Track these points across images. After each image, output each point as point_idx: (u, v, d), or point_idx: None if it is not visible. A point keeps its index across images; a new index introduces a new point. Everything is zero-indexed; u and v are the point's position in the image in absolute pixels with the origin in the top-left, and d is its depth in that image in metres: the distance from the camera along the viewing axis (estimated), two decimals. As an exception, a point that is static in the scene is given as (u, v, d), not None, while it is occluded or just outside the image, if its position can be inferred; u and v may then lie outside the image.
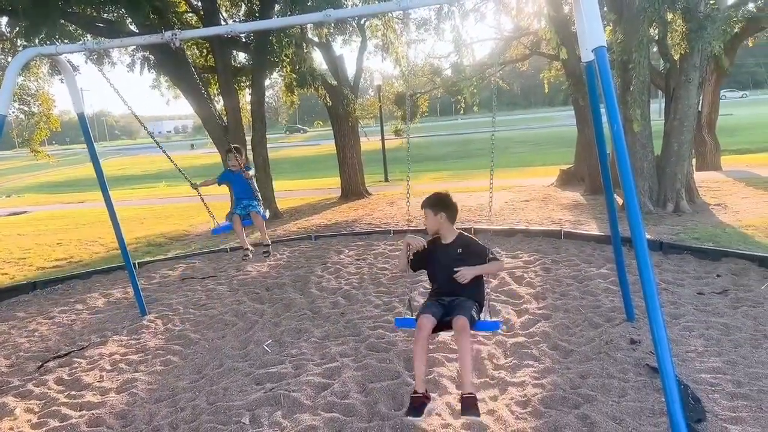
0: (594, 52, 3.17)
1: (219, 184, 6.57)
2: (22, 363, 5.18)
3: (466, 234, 3.75)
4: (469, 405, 3.19)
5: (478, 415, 3.23)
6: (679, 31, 9.22)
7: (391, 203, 14.06)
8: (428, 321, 3.35)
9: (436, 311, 3.43)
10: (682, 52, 9.24)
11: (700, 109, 12.79)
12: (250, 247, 6.65)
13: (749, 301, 5.15)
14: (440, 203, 3.67)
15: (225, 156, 6.47)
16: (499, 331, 4.50)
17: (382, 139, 21.95)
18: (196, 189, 6.13)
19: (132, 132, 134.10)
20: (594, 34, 3.16)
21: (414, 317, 3.58)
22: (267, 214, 6.56)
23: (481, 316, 3.60)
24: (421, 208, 3.71)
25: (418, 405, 3.26)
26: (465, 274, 3.48)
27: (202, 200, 6.33)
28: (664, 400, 3.31)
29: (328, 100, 14.76)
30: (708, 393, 3.59)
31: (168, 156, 5.85)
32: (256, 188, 6.52)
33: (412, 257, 3.67)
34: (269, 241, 6.73)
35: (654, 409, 3.44)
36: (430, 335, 3.47)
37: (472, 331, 3.42)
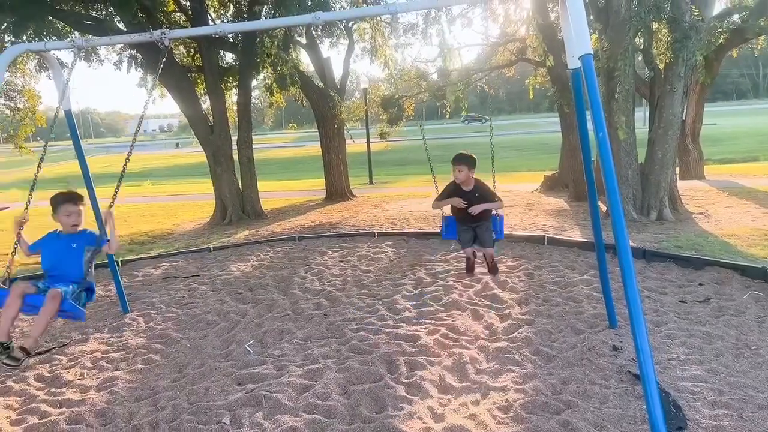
0: (581, 59, 3.20)
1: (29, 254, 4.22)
2: None
3: (480, 181, 4.98)
4: (493, 267, 5.52)
5: (497, 272, 5.81)
6: (664, 41, 9.36)
7: (376, 205, 14.06)
8: (469, 249, 5.35)
9: (470, 238, 5.18)
10: (667, 61, 9.38)
11: (684, 118, 12.99)
12: (6, 341, 3.69)
13: (731, 310, 5.23)
14: (473, 162, 4.91)
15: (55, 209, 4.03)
16: (480, 332, 5.11)
17: (368, 142, 21.96)
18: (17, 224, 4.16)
19: (117, 130, 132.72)
20: (581, 41, 3.19)
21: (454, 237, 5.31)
22: (84, 310, 3.90)
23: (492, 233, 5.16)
24: (455, 164, 4.92)
25: (472, 266, 5.67)
26: (476, 208, 4.92)
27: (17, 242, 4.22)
28: (645, 407, 3.35)
29: (304, 103, 14.75)
30: (689, 401, 3.63)
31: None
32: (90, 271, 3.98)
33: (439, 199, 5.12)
34: (33, 350, 3.83)
35: (635, 416, 3.47)
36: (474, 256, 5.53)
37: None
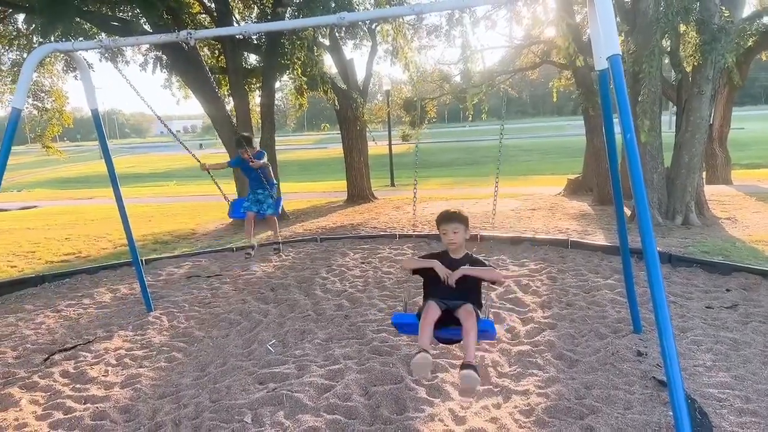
0: (608, 60, 3.16)
1: (231, 167, 6.80)
2: (28, 355, 5.20)
3: (472, 254, 3.70)
4: (467, 366, 3.10)
5: (477, 376, 3.08)
6: (692, 43, 9.18)
7: (397, 208, 14.05)
8: (435, 307, 3.31)
9: (440, 305, 3.36)
10: (695, 63, 9.20)
11: (711, 122, 12.72)
12: (255, 244, 6.80)
13: (759, 317, 5.10)
14: (467, 219, 3.67)
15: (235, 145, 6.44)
16: (503, 333, 4.65)
17: (389, 144, 21.98)
18: (206, 170, 6.23)
19: (142, 131, 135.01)
20: (609, 42, 3.15)
21: (413, 314, 3.58)
22: (280, 208, 6.70)
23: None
24: (447, 223, 3.61)
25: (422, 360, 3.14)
26: (460, 273, 3.43)
27: (214, 181, 6.40)
28: (670, 414, 3.28)
29: (337, 103, 14.80)
30: (715, 408, 3.55)
31: (180, 140, 5.97)
32: (270, 176, 6.61)
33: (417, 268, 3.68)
34: (280, 240, 6.98)
35: (660, 423, 3.41)
36: (433, 329, 3.33)
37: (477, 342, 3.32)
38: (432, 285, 3.58)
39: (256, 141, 6.85)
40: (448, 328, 3.42)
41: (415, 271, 3.74)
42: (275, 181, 6.72)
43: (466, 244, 3.71)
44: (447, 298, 3.42)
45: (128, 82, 5.26)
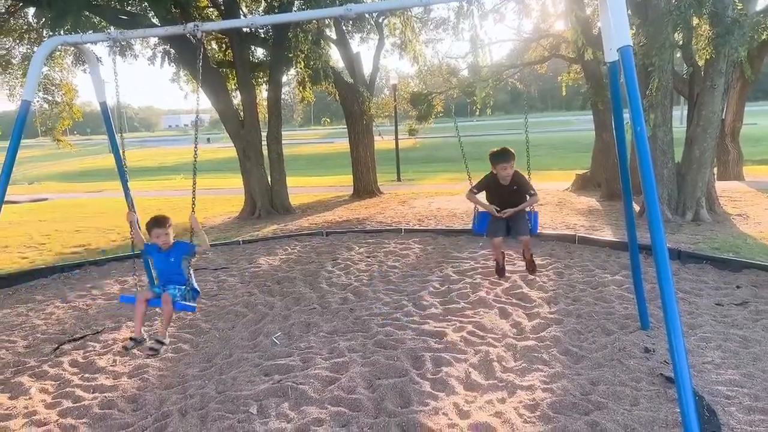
0: (619, 51, 3.12)
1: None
2: (38, 344, 5.25)
3: (517, 173, 4.83)
4: (532, 265, 5.44)
5: (535, 271, 5.73)
6: (704, 36, 9.07)
7: (403, 202, 14.03)
8: (499, 240, 4.97)
9: (501, 230, 4.91)
10: (708, 57, 9.09)
11: (723, 116, 12.58)
12: (139, 337, 4.22)
13: (768, 314, 5.04)
14: (514, 157, 4.74)
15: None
16: (507, 331, 5.04)
17: (396, 139, 21.92)
18: (129, 220, 4.68)
19: (150, 124, 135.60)
20: (620, 32, 3.11)
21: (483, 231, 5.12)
22: (193, 305, 4.37)
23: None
24: (500, 162, 4.73)
25: (503, 270, 5.43)
26: (509, 212, 4.84)
27: (132, 238, 4.67)
28: (678, 410, 3.26)
29: (338, 98, 14.76)
30: (724, 406, 3.52)
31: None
32: (189, 273, 4.44)
33: (476, 191, 4.95)
34: (166, 340, 4.28)
35: (667, 420, 3.38)
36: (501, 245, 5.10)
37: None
38: (493, 201, 4.93)
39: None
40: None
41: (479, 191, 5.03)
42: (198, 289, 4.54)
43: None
44: (505, 204, 4.84)
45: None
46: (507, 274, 6.08)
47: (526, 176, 4.95)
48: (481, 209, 5.06)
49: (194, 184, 4.58)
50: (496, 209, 4.80)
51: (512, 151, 4.77)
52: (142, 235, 4.59)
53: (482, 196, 5.02)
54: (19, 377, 4.50)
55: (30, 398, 4.14)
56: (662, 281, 2.87)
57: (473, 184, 4.98)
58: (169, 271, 4.39)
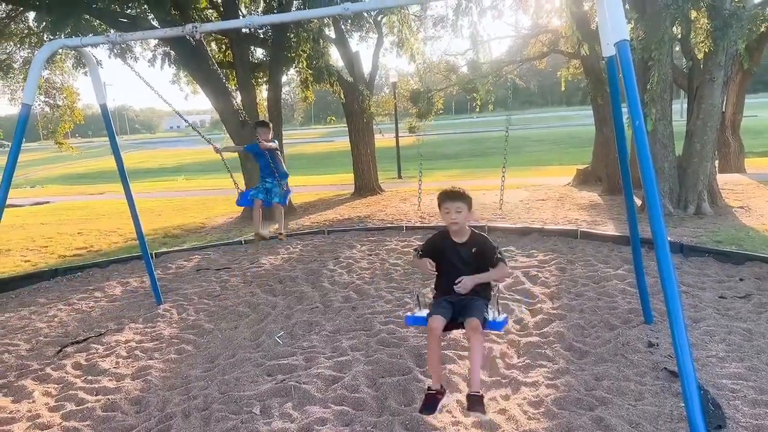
0: (616, 46, 3.11)
1: (245, 151, 7.02)
2: (41, 347, 5.26)
3: (478, 232, 3.54)
4: (475, 403, 3.17)
5: (484, 412, 3.19)
6: (703, 29, 9.04)
7: (404, 200, 14.02)
8: (439, 322, 3.24)
9: (446, 312, 3.31)
10: (707, 50, 9.06)
11: (723, 109, 12.54)
12: (264, 233, 6.77)
13: (772, 306, 5.03)
14: (471, 199, 3.42)
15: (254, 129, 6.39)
16: (510, 327, 4.64)
17: (396, 136, 21.90)
18: (219, 153, 6.23)
19: (152, 126, 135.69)
20: (616, 27, 3.10)
21: (424, 315, 3.48)
22: (289, 197, 6.67)
23: (489, 313, 3.45)
24: (447, 202, 3.39)
25: (431, 402, 3.29)
26: (466, 284, 3.30)
27: (226, 166, 6.56)
28: (682, 405, 3.25)
29: (343, 96, 14.74)
30: (729, 399, 3.50)
31: (196, 129, 6.28)
32: (281, 165, 6.58)
33: (421, 253, 3.56)
34: (283, 232, 6.90)
35: (672, 414, 3.37)
36: (442, 334, 3.42)
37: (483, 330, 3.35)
38: (441, 277, 3.51)
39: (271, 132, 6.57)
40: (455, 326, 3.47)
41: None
42: (287, 172, 6.67)
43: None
44: (457, 276, 3.35)
45: (140, 77, 5.21)
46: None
47: (491, 240, 3.52)
48: (423, 306, 3.68)
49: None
50: (431, 269, 3.38)
51: (467, 193, 3.42)
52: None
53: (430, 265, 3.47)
54: (22, 380, 4.50)
55: (33, 401, 4.14)
56: (664, 275, 2.87)
57: (420, 245, 3.67)
58: (266, 165, 6.46)
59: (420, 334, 4.88)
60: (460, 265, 3.40)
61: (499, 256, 3.38)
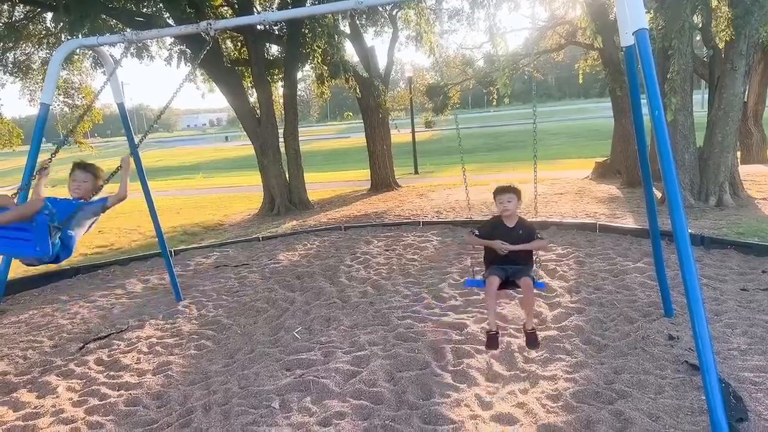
0: (635, 35, 3.06)
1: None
2: (64, 344, 5.36)
3: (524, 218, 4.26)
4: (532, 338, 3.96)
5: (539, 345, 4.05)
6: (724, 17, 8.85)
7: (421, 195, 13.99)
8: (497, 280, 3.95)
9: (501, 274, 4.01)
10: (728, 38, 8.88)
11: (745, 99, 12.29)
12: None
13: (796, 299, 4.93)
14: (520, 191, 4.20)
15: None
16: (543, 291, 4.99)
17: (413, 132, 21.84)
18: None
19: (169, 125, 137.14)
20: (635, 16, 3.05)
21: (480, 279, 4.23)
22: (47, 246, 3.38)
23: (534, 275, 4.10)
24: (502, 194, 4.14)
25: (494, 340, 3.99)
26: (512, 247, 4.04)
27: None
28: (703, 398, 3.21)
29: (359, 92, 14.73)
30: (751, 392, 3.45)
31: None
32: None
33: (478, 234, 4.24)
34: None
35: (693, 408, 3.33)
36: (497, 292, 4.03)
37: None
38: (492, 253, 4.17)
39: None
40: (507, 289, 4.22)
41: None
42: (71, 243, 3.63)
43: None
44: (505, 262, 4.07)
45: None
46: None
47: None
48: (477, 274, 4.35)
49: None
50: (500, 243, 4.02)
51: (517, 186, 4.20)
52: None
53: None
54: (46, 376, 4.60)
55: (57, 397, 4.23)
56: (684, 267, 2.83)
57: (477, 228, 4.32)
58: (63, 207, 3.52)
59: (437, 329, 4.89)
60: (511, 243, 4.08)
61: (538, 235, 4.16)
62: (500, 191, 4.17)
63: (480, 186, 12.01)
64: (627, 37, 3.84)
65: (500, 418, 3.42)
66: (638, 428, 3.15)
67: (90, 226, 3.76)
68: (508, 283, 4.04)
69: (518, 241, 4.07)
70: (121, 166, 3.96)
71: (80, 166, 3.80)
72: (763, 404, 3.30)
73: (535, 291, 4.03)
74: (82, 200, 3.66)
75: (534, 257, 4.23)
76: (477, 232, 4.25)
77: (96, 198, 3.76)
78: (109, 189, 3.87)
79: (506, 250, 4.02)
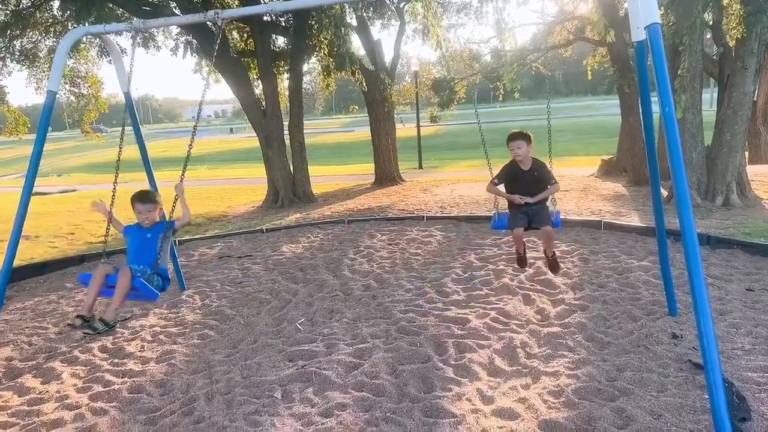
0: (647, 29, 3.02)
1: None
2: (69, 331, 5.38)
3: (537, 159, 4.67)
4: (554, 264, 4.96)
5: (559, 269, 5.13)
6: (735, 14, 8.78)
7: (425, 190, 13.97)
8: (521, 230, 4.60)
9: (523, 221, 4.58)
10: (739, 36, 8.80)
11: (755, 98, 12.19)
12: (88, 315, 3.82)
13: (802, 299, 4.90)
14: (530, 138, 4.62)
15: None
16: (531, 317, 4.99)
17: (418, 126, 21.79)
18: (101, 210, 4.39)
19: (174, 116, 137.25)
20: (647, 10, 3.02)
21: (505, 221, 4.72)
22: (155, 291, 3.99)
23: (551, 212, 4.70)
24: (512, 141, 4.58)
25: (523, 261, 5.04)
26: (531, 199, 4.58)
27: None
28: (706, 397, 3.20)
29: (365, 84, 14.69)
30: (754, 392, 3.43)
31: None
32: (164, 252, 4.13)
33: (497, 182, 4.74)
34: (114, 321, 3.89)
35: (695, 406, 3.32)
36: (523, 234, 4.72)
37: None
38: (515, 193, 4.67)
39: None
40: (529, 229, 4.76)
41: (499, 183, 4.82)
42: (167, 273, 4.24)
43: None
44: (525, 193, 4.60)
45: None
46: (530, 261, 5.96)
47: (548, 164, 4.80)
48: (500, 210, 4.88)
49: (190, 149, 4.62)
50: (519, 198, 4.58)
51: (527, 132, 4.63)
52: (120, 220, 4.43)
53: (503, 188, 4.83)
54: (51, 362, 4.62)
55: (62, 383, 4.25)
56: (691, 265, 2.81)
57: (493, 175, 4.80)
58: (143, 249, 4.03)
59: (440, 323, 4.89)
60: (527, 184, 4.60)
61: (552, 180, 4.63)
62: (511, 138, 4.62)
63: (484, 181, 11.98)
64: (638, 32, 3.81)
65: (501, 412, 3.42)
66: (640, 426, 3.14)
67: (168, 250, 4.26)
68: (529, 227, 4.62)
69: (533, 181, 4.59)
70: (176, 195, 4.26)
71: (138, 198, 4.19)
72: (766, 404, 3.29)
73: (513, 323, 4.74)
74: (154, 225, 4.19)
75: (550, 199, 4.73)
76: (496, 180, 4.74)
77: (161, 221, 4.27)
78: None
79: (524, 201, 4.55)
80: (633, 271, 6.02)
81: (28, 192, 4.55)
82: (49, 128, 4.81)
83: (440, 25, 13.92)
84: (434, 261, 7.02)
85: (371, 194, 14.12)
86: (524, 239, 5.03)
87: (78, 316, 3.75)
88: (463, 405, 3.51)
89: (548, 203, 4.74)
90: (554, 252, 4.90)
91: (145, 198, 4.20)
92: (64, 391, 4.09)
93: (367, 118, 16.47)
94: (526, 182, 4.61)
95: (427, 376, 3.91)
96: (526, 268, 5.60)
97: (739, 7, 8.76)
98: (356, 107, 26.59)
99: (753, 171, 11.49)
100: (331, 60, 13.09)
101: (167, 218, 4.25)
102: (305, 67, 16.43)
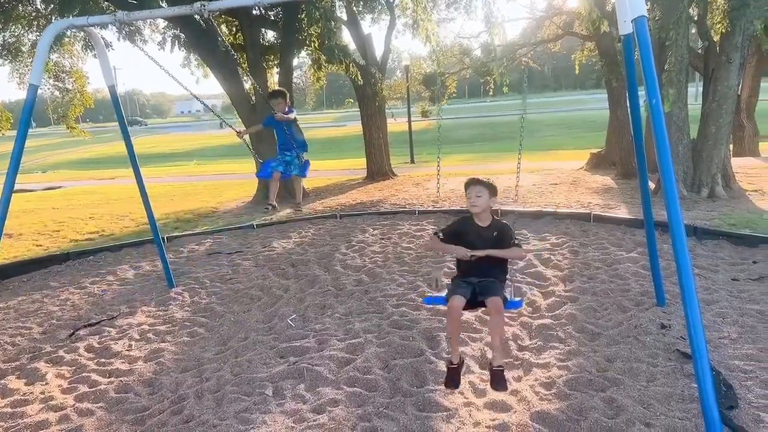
0: (633, 22, 3.03)
1: (264, 127, 6.44)
2: (54, 330, 5.33)
3: (499, 219, 3.65)
4: (498, 378, 3.24)
5: (506, 388, 3.36)
6: (720, 9, 8.84)
7: (417, 184, 13.98)
8: (459, 302, 3.28)
9: (466, 292, 3.34)
10: (723, 31, 8.87)
11: (739, 92, 12.31)
12: (275, 204, 6.17)
13: (787, 289, 4.97)
14: (493, 187, 3.56)
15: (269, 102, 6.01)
16: (522, 309, 4.71)
17: (409, 121, 21.77)
18: (241, 137, 6.09)
19: (163, 111, 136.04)
20: (634, 3, 3.02)
21: (442, 296, 3.54)
22: (307, 171, 6.31)
23: (507, 293, 3.48)
24: (470, 186, 3.55)
25: (454, 375, 3.35)
26: (482, 253, 3.37)
27: (249, 147, 6.66)
28: (694, 385, 3.24)
29: (360, 78, 14.61)
30: (741, 380, 3.48)
31: (220, 118, 7.01)
32: (298, 132, 6.18)
33: (442, 237, 3.54)
34: (302, 203, 6.98)
35: (684, 395, 3.36)
36: (461, 314, 3.48)
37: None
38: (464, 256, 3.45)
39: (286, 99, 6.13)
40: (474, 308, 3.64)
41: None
42: (305, 142, 6.28)
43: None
44: (474, 272, 3.42)
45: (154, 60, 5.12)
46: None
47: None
48: (440, 288, 3.68)
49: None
50: (463, 250, 3.36)
51: (491, 181, 3.55)
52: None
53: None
54: (35, 363, 4.56)
55: (47, 383, 4.20)
56: (679, 256, 2.82)
57: (441, 228, 3.63)
58: (283, 137, 6.09)
59: (432, 316, 4.89)
60: (482, 245, 3.41)
61: (515, 240, 3.47)
62: (469, 183, 3.57)
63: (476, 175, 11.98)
64: (626, 25, 3.82)
65: (494, 405, 3.44)
66: (630, 415, 3.17)
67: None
68: (476, 303, 3.36)
69: (490, 244, 3.41)
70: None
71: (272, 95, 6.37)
72: (753, 392, 3.33)
73: (512, 310, 3.64)
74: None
75: (508, 271, 3.61)
76: (441, 234, 3.54)
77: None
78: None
79: (471, 257, 3.31)
80: (622, 262, 6.07)
81: (9, 189, 4.48)
82: (33, 124, 4.75)
83: (430, 20, 13.87)
84: (426, 255, 7.02)
85: (363, 189, 14.10)
86: (461, 317, 3.75)
87: (270, 203, 6.09)
88: (455, 398, 3.53)
89: (507, 281, 3.57)
90: (502, 363, 3.30)
91: (278, 94, 6.16)
92: (48, 392, 4.04)
93: (359, 112, 16.41)
94: (481, 242, 3.42)
95: (420, 370, 3.91)
96: (458, 387, 3.47)
97: (723, 1, 8.82)
98: (351, 100, 26.44)
99: (737, 163, 11.62)
100: (321, 54, 12.99)
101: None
102: (295, 62, 16.32)
